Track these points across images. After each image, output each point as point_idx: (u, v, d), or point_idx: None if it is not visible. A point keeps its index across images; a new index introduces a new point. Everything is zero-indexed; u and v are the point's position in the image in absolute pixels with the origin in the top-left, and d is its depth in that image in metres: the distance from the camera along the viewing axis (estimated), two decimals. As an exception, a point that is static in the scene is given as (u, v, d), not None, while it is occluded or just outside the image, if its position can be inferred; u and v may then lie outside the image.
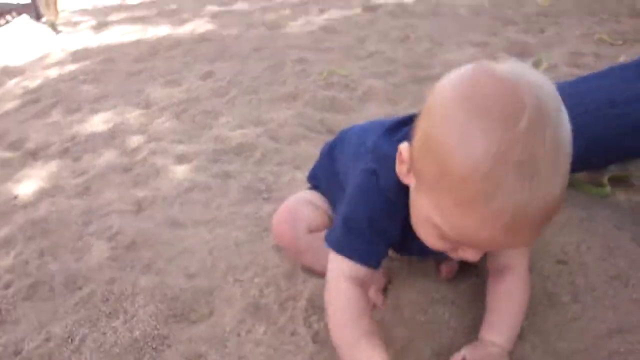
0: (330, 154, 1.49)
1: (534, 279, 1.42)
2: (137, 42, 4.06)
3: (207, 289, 1.48)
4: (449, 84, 0.98)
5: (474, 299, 1.38)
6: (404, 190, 1.10)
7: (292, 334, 1.32)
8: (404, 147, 1.05)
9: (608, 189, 1.77)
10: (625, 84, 1.62)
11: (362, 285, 1.20)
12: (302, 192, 1.58)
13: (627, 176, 1.85)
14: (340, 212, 1.23)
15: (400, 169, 1.07)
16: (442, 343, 1.26)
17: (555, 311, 1.35)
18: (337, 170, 1.43)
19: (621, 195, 1.75)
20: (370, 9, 4.35)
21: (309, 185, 1.60)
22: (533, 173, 0.87)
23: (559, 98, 0.94)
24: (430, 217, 0.99)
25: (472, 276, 1.45)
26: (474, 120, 0.90)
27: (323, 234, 1.42)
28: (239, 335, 1.33)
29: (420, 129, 1.01)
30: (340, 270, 1.19)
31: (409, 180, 1.06)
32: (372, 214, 1.17)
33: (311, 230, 1.46)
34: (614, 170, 1.86)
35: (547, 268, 1.47)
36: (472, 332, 1.27)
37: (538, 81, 0.94)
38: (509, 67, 0.95)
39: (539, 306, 1.35)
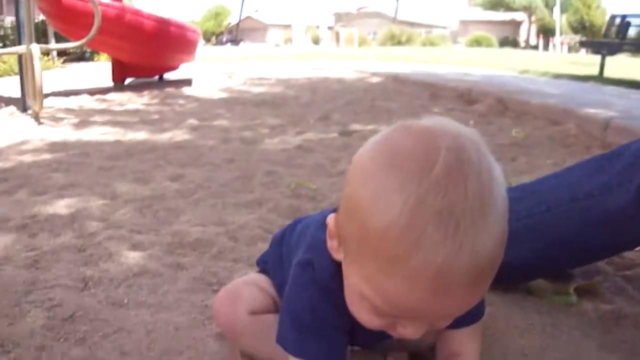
0: (281, 240, 1.43)
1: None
2: (114, 142, 4.05)
3: (139, 369, 1.38)
4: (368, 145, 0.93)
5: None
6: (342, 276, 1.01)
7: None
8: (330, 217, 0.98)
9: (574, 297, 1.71)
10: (586, 179, 1.58)
11: None
12: (248, 275, 1.50)
13: (594, 284, 1.79)
14: (284, 309, 1.14)
15: (331, 245, 0.99)
16: None
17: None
18: (283, 257, 1.36)
19: (588, 305, 1.69)
20: (346, 133, 4.42)
21: (257, 269, 1.52)
22: (456, 223, 0.79)
23: (484, 146, 0.88)
24: (359, 289, 0.91)
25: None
26: (389, 173, 0.84)
27: (266, 317, 1.32)
28: (163, 416, 1.23)
29: (344, 192, 0.94)
30: None
31: (339, 255, 0.98)
32: (313, 308, 1.08)
33: (253, 313, 1.35)
34: (579, 280, 1.81)
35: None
36: None
37: (457, 127, 0.89)
38: (428, 120, 0.90)
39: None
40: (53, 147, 3.88)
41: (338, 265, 1.01)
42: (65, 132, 4.42)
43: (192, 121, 4.91)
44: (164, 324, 1.56)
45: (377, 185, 0.84)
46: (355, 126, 4.77)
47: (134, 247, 2.10)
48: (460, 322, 1.09)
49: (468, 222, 0.80)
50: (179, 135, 4.34)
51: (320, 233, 1.08)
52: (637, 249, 2.07)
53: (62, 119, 5.01)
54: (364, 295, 0.91)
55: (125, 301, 1.71)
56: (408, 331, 0.95)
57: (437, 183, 0.80)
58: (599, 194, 1.54)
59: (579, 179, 1.62)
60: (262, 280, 1.45)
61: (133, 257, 1.99)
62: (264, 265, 1.50)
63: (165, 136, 4.30)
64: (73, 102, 6.25)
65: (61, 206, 2.56)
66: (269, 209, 2.55)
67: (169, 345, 1.47)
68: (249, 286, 1.42)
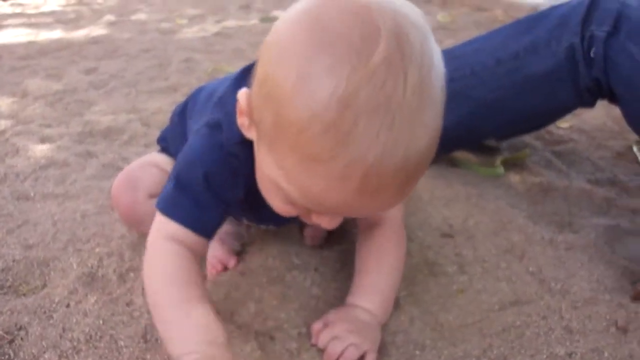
0: (182, 112, 1.28)
1: (412, 248, 1.25)
2: (27, 43, 3.75)
3: (43, 260, 1.26)
4: (291, 14, 0.77)
5: (342, 266, 1.20)
6: (252, 146, 0.87)
7: (128, 304, 1.12)
8: (242, 93, 0.82)
9: (501, 169, 1.62)
10: (512, 40, 1.46)
11: (192, 249, 0.95)
12: (148, 155, 1.35)
13: (521, 156, 1.71)
14: (174, 168, 0.99)
15: (242, 121, 0.84)
16: (301, 311, 1.08)
17: (437, 281, 1.18)
18: (186, 130, 1.21)
19: (515, 177, 1.61)
20: (267, 20, 4.19)
21: (158, 148, 1.38)
22: (391, 119, 0.66)
23: (429, 31, 0.73)
24: (274, 179, 0.77)
25: (343, 243, 1.26)
26: (316, 55, 0.68)
27: None
28: (67, 306, 1.12)
29: (258, 70, 0.78)
30: (165, 230, 0.95)
31: (251, 134, 0.83)
32: (210, 173, 0.93)
33: (153, 196, 1.17)
34: (506, 154, 1.73)
35: (429, 240, 1.30)
36: (339, 301, 1.07)
37: (399, 5, 0.72)
38: None
39: (418, 275, 1.18)
40: (-38, 52, 3.60)
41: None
42: (-24, 38, 4.12)
43: (110, 17, 4.61)
44: (71, 213, 1.44)
45: (301, 68, 0.69)
46: (278, 12, 4.53)
47: (43, 140, 1.95)
48: None
49: (404, 118, 0.67)
50: (95, 31, 4.08)
51: (231, 94, 0.92)
52: (567, 125, 1.99)
53: (-28, 24, 4.67)
54: (280, 187, 0.78)
55: (32, 194, 1.57)
56: (324, 221, 0.84)
57: (374, 73, 0.66)
58: (524, 54, 1.43)
59: (505, 41, 1.49)
60: (162, 159, 1.30)
61: (41, 150, 1.84)
62: (164, 143, 1.35)
63: (81, 33, 4.02)
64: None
65: (-32, 109, 2.36)
66: (184, 94, 2.39)
67: (75, 233, 1.35)
68: (148, 168, 1.26)
